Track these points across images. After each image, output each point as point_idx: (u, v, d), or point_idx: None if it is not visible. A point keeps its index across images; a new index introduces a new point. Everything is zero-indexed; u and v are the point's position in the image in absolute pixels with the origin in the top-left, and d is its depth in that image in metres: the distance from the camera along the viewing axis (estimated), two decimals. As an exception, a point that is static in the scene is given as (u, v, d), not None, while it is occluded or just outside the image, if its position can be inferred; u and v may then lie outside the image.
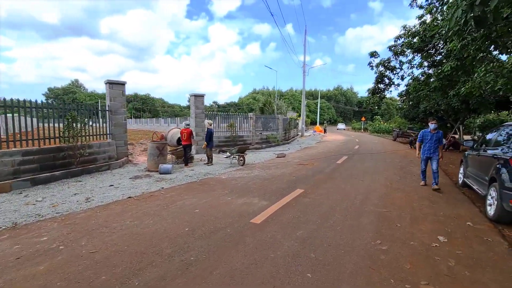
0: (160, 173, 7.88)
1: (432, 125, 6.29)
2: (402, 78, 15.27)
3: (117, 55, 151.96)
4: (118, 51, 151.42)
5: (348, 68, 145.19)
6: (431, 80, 13.79)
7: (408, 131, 23.05)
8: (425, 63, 13.31)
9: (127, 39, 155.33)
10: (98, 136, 8.61)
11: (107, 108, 8.95)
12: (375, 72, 15.39)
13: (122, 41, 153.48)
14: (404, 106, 22.08)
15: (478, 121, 21.67)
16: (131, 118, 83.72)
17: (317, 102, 64.88)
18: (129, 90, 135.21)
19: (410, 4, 13.56)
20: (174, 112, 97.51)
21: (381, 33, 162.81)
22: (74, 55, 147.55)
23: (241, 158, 9.78)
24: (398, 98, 21.37)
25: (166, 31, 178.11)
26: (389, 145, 19.48)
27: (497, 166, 4.54)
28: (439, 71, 11.43)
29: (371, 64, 15.22)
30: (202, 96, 12.67)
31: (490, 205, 4.63)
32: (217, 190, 6.06)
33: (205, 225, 3.92)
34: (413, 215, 4.54)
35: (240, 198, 5.39)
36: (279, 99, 52.53)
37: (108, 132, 9.00)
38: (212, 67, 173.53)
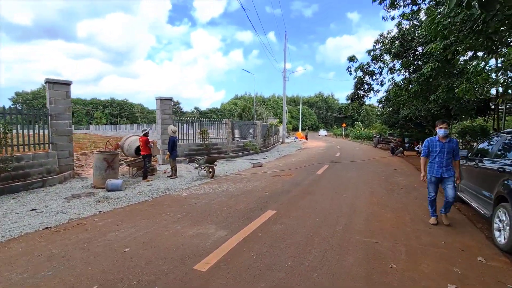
0: (108, 190, 6.56)
1: (441, 131, 4.30)
2: (382, 84, 14.83)
3: (94, 59, 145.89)
4: (96, 55, 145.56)
5: (329, 75, 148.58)
6: (410, 86, 13.41)
7: (388, 137, 22.83)
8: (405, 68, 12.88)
9: (105, 43, 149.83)
10: (35, 146, 7.15)
11: (48, 112, 7.51)
12: (354, 78, 14.86)
13: (100, 45, 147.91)
14: (384, 112, 21.86)
15: (455, 127, 21.80)
16: (106, 124, 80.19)
17: (299, 108, 64.90)
18: (106, 95, 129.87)
19: (383, 17, 13.21)
20: (153, 118, 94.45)
21: (359, 43, 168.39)
22: (48, 58, 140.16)
23: (210, 170, 8.62)
24: (378, 105, 21.14)
25: (147, 36, 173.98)
26: (370, 152, 19.01)
27: (507, 182, 3.70)
28: (418, 75, 10.96)
29: (349, 69, 14.67)
30: (169, 100, 11.42)
31: (499, 230, 3.77)
32: (169, 213, 4.86)
33: (125, 278, 2.73)
34: (410, 246, 3.58)
35: (193, 226, 4.22)
36: (260, 105, 51.84)
37: (49, 141, 7.55)
38: (195, 73, 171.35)
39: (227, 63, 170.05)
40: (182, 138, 12.61)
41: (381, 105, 19.27)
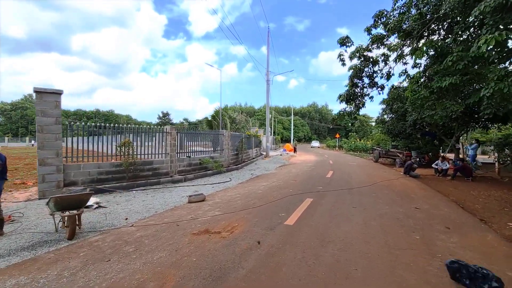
0: None
1: None
2: (388, 77, 10.78)
3: (88, 71, 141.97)
4: (90, 68, 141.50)
5: (322, 87, 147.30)
6: (431, 80, 9.42)
7: (392, 149, 18.73)
8: (429, 52, 8.82)
9: (100, 56, 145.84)
10: None
11: None
12: (349, 69, 10.69)
13: (95, 57, 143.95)
14: (387, 119, 17.82)
15: (493, 136, 17.81)
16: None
17: (291, 119, 61.04)
18: (92, 106, 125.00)
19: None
20: (139, 129, 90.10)
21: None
22: (41, 70, 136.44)
23: (67, 223, 4.27)
24: (380, 105, 17.15)
25: (142, 49, 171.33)
26: (372, 170, 14.79)
27: None
28: (456, 57, 6.95)
29: (342, 57, 10.54)
30: (56, 94, 7.09)
31: None
32: None
33: None
34: None
35: None
36: (250, 117, 47.65)
37: None
38: (189, 85, 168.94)
39: (222, 75, 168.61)
40: (90, 155, 8.29)
41: (383, 107, 15.25)
